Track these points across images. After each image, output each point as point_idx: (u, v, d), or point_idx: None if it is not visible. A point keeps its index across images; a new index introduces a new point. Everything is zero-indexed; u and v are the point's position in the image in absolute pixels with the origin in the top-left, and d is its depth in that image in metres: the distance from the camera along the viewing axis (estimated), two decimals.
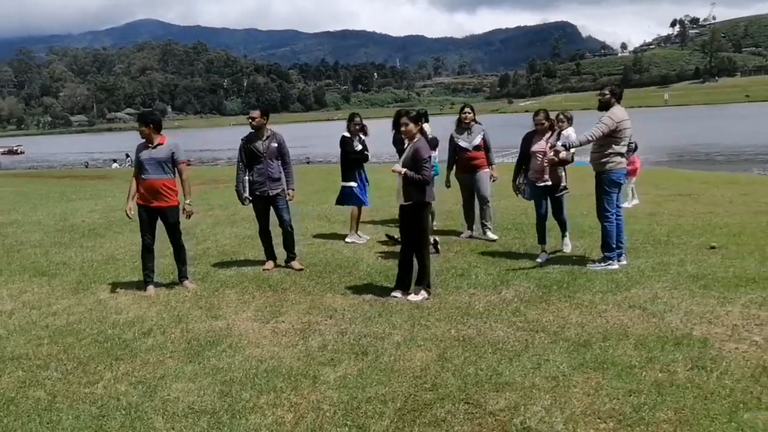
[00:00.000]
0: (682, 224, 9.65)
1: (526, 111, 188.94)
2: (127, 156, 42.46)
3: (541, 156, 7.68)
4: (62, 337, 5.73)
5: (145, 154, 6.97)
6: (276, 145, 7.70)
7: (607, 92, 7.28)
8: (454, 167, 9.47)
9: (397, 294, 6.60)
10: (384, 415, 4.07)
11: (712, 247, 8.01)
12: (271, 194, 7.73)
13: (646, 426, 3.78)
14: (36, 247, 9.86)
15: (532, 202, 8.10)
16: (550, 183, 7.71)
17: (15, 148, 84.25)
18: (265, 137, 7.71)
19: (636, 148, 12.21)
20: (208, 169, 33.92)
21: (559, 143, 7.28)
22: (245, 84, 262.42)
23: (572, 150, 7.31)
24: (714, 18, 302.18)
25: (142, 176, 7.01)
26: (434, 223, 10.18)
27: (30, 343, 5.65)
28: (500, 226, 9.78)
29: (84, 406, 4.37)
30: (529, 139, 7.95)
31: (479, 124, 9.37)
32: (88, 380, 4.82)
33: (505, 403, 4.15)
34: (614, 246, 7.31)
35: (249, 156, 7.76)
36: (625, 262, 7.41)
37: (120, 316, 6.29)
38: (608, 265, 7.27)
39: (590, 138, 7.09)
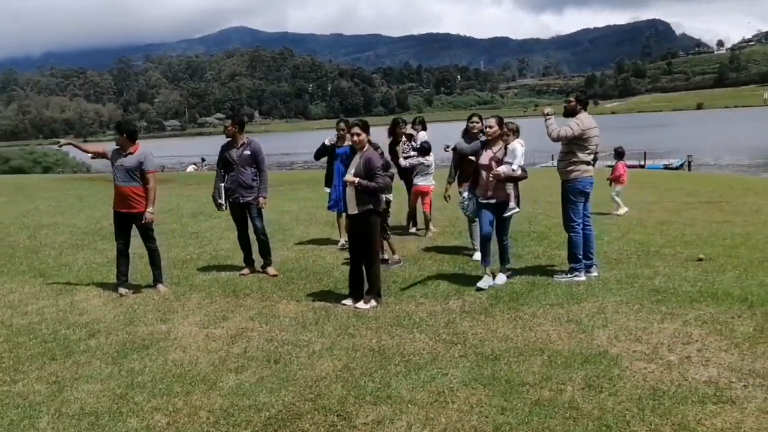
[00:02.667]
0: (686, 234, 9.22)
1: (613, 113, 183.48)
2: (203, 160, 44.00)
3: (486, 171, 7.00)
4: (17, 336, 6.08)
5: (117, 162, 7.27)
6: (249, 153, 7.88)
7: (572, 99, 7.08)
8: (456, 179, 8.87)
9: (348, 302, 6.64)
10: (250, 424, 4.14)
11: (700, 259, 7.64)
12: (242, 201, 7.91)
13: None
14: (54, 249, 10.44)
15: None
16: (494, 201, 6.96)
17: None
18: (239, 145, 7.92)
19: (623, 154, 11.78)
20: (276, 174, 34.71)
21: (507, 158, 6.88)
22: (329, 88, 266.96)
23: (516, 166, 6.83)
24: None
25: (115, 183, 7.31)
26: (432, 230, 10.13)
27: None
28: None
29: None
30: (480, 150, 7.15)
31: None
32: (13, 379, 5.10)
33: (375, 416, 4.13)
34: (581, 257, 7.08)
35: (224, 163, 7.99)
36: (595, 274, 7.17)
37: (81, 318, 6.60)
38: (574, 276, 7.05)
39: (555, 134, 6.88)
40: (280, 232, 10.95)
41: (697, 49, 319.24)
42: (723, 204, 12.12)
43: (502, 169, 6.78)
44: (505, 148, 6.96)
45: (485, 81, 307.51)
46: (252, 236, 8.17)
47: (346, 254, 8.89)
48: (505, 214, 6.98)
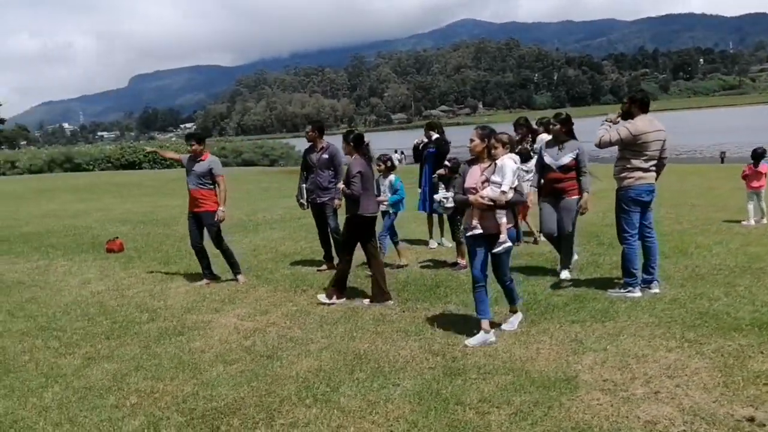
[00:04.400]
0: None
1: None
2: (396, 152, 45.81)
3: (473, 194, 5.59)
4: (100, 316, 7.06)
5: (189, 167, 8.12)
6: (327, 157, 8.31)
7: (626, 100, 6.49)
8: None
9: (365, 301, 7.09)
10: (192, 412, 4.51)
11: None
12: (319, 202, 8.37)
13: None
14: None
15: None
16: (479, 232, 5.55)
17: None
18: (319, 149, 8.38)
19: (758, 155, 10.18)
20: None
21: (494, 177, 5.51)
22: (555, 77, 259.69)
23: (506, 187, 5.41)
24: None
25: (188, 187, 8.17)
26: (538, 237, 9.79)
27: (81, 318, 7.08)
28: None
29: (25, 374, 5.49)
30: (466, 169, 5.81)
31: (575, 139, 7.48)
32: (65, 352, 5.98)
33: (295, 419, 4.31)
34: (636, 271, 6.49)
35: (306, 166, 8.53)
36: (656, 291, 6.55)
37: (158, 303, 7.50)
38: (628, 292, 6.49)
39: (597, 139, 6.43)
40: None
41: None
42: None
43: (487, 192, 5.50)
44: (495, 164, 5.55)
45: (733, 64, 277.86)
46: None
47: (423, 257, 9.02)
48: (495, 251, 5.53)
